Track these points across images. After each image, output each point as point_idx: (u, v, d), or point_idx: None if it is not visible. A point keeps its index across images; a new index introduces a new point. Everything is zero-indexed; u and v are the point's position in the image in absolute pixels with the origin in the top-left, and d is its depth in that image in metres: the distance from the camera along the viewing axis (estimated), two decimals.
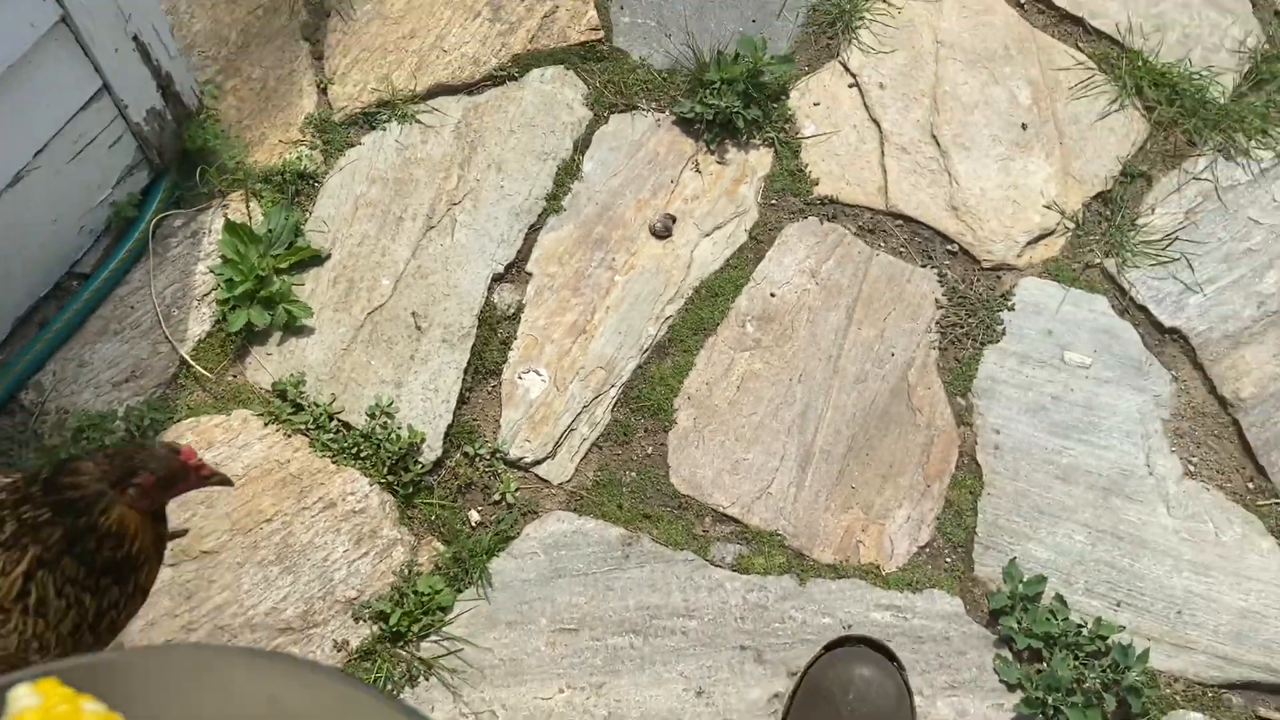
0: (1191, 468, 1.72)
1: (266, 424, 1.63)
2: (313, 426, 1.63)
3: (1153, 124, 2.01)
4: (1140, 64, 2.04)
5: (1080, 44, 2.10)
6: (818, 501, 1.67)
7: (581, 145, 1.94)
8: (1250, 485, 1.71)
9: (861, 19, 2.08)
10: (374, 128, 1.90)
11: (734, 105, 1.94)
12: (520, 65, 1.98)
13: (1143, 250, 1.88)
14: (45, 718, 0.58)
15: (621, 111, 1.98)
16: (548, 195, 1.88)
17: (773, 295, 1.83)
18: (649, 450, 1.70)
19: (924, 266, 1.87)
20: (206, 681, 0.67)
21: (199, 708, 0.66)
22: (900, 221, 1.92)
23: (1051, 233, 1.91)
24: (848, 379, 1.76)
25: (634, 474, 1.68)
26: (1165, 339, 1.82)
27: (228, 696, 0.66)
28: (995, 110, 2.00)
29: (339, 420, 1.65)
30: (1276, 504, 1.68)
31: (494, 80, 1.97)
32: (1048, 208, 1.92)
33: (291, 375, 1.66)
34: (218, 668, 0.69)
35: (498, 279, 1.80)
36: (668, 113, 1.98)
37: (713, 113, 1.94)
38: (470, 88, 1.96)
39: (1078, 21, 2.11)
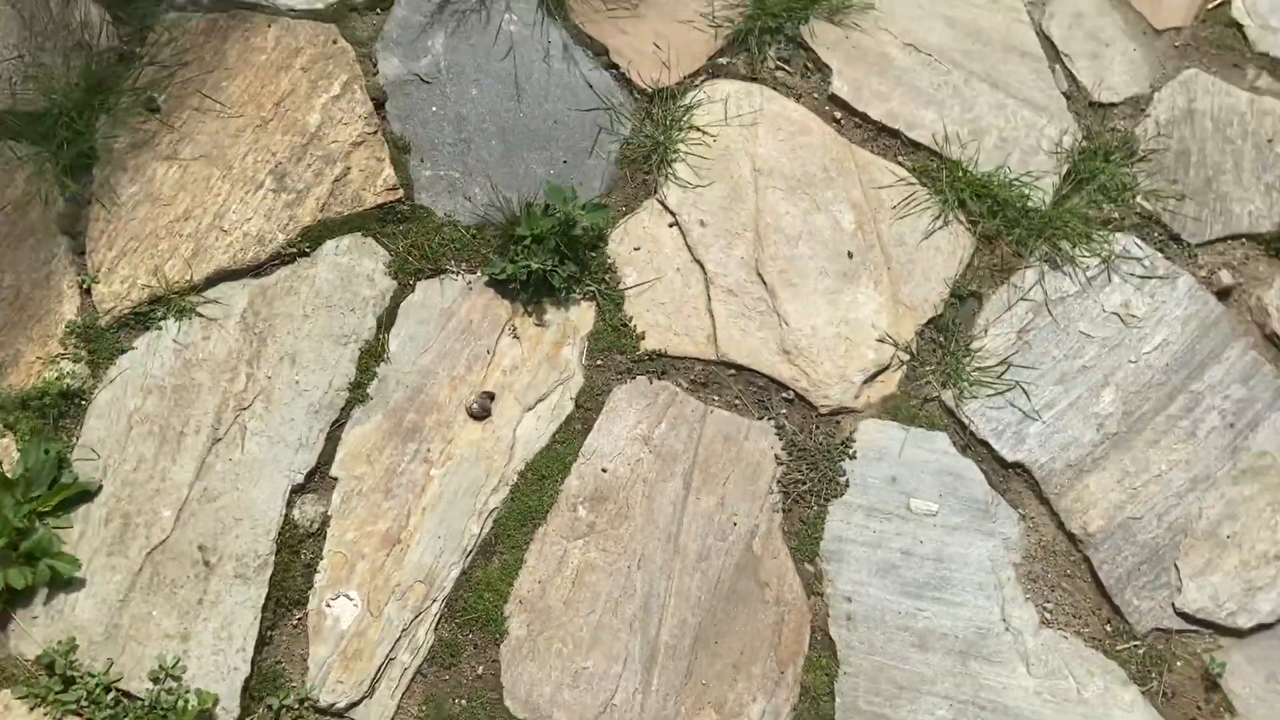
0: (1047, 614, 1.61)
1: (33, 708, 1.38)
2: (87, 703, 1.39)
3: (978, 238, 1.92)
4: (960, 174, 1.95)
5: (900, 157, 2.00)
6: (666, 708, 1.50)
7: (386, 321, 1.74)
8: (1108, 628, 1.61)
9: (676, 151, 1.94)
10: (148, 328, 1.67)
11: (548, 262, 1.77)
12: (312, 238, 1.77)
13: (979, 379, 1.78)
14: None
15: (429, 277, 1.79)
16: (351, 384, 1.68)
17: (604, 471, 1.66)
18: (479, 670, 1.51)
19: (761, 419, 1.73)
20: None
21: None
22: (733, 371, 1.77)
23: (887, 367, 1.79)
24: (690, 558, 1.60)
25: (464, 701, 1.49)
26: (1009, 474, 1.72)
27: None
28: (820, 240, 1.88)
29: (118, 690, 1.41)
30: (1135, 646, 1.59)
31: (283, 258, 1.75)
32: (881, 341, 1.80)
33: (60, 642, 1.42)
34: None
35: (298, 490, 1.59)
36: (480, 274, 1.80)
37: (526, 272, 1.77)
38: (256, 270, 1.74)
39: (895, 134, 2.01)
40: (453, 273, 1.80)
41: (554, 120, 1.96)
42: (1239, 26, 2.19)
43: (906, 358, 1.79)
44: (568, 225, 1.78)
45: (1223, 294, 1.88)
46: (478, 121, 1.93)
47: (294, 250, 1.75)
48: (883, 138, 2.01)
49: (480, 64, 1.98)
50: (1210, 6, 2.22)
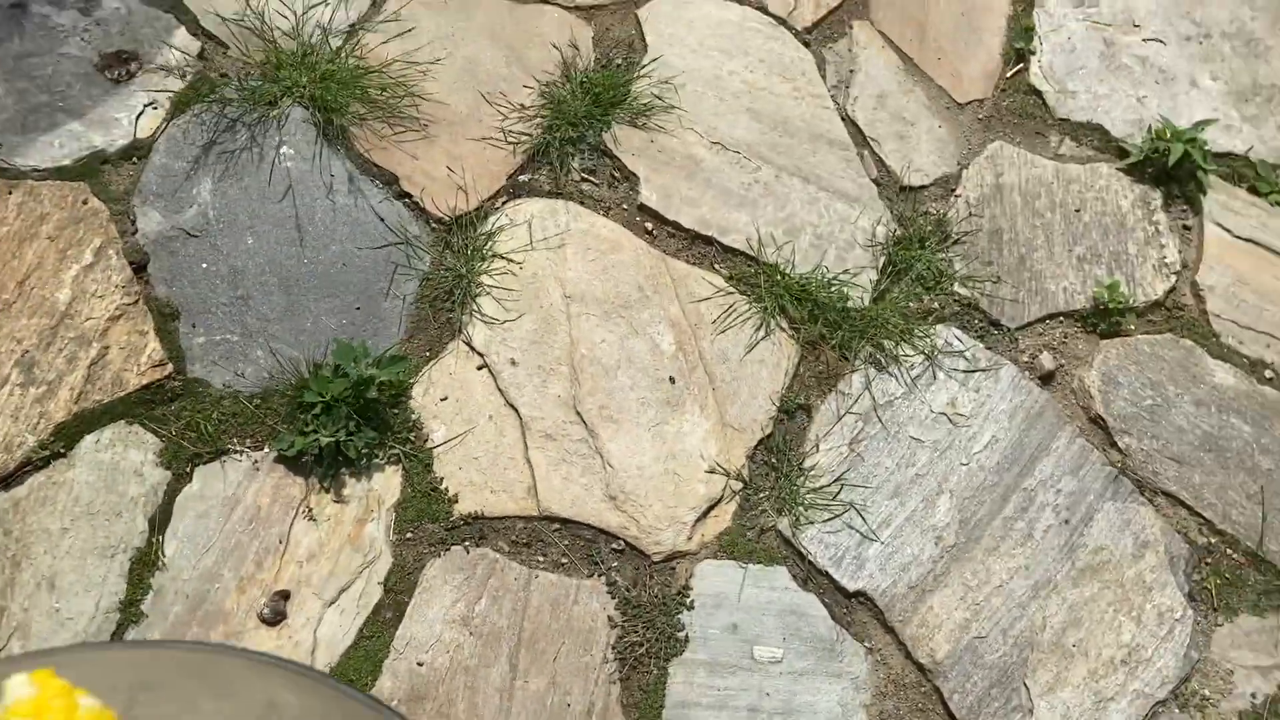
0: None
1: None
2: None
3: (802, 344, 1.82)
4: (779, 279, 1.85)
5: (717, 265, 1.89)
6: None
7: (160, 521, 1.53)
8: None
9: (481, 284, 1.78)
10: None
11: (341, 432, 1.59)
12: (67, 435, 1.55)
13: (814, 502, 1.67)
14: (40, 710, 0.55)
15: (209, 461, 1.59)
16: (122, 603, 1.46)
17: (420, 665, 1.49)
18: None
19: (590, 576, 1.59)
20: (207, 680, 0.64)
21: (197, 706, 0.64)
22: (558, 525, 1.63)
23: (719, 500, 1.67)
24: None
25: None
26: (853, 605, 1.61)
27: (227, 696, 0.63)
28: (639, 367, 1.75)
29: None
30: None
31: (35, 464, 1.52)
32: (711, 472, 1.68)
33: None
34: (219, 668, 0.65)
35: None
36: (267, 450, 1.61)
37: (319, 445, 1.58)
38: (5, 481, 1.50)
39: (709, 241, 1.90)
40: (236, 453, 1.60)
41: (343, 263, 1.78)
42: (1039, 93, 2.17)
43: (739, 486, 1.68)
44: (361, 387, 1.60)
45: (1046, 378, 1.83)
46: (256, 274, 1.74)
47: (47, 453, 1.52)
48: (697, 246, 1.90)
49: (255, 208, 1.78)
50: (1009, 75, 2.20)
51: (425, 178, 1.86)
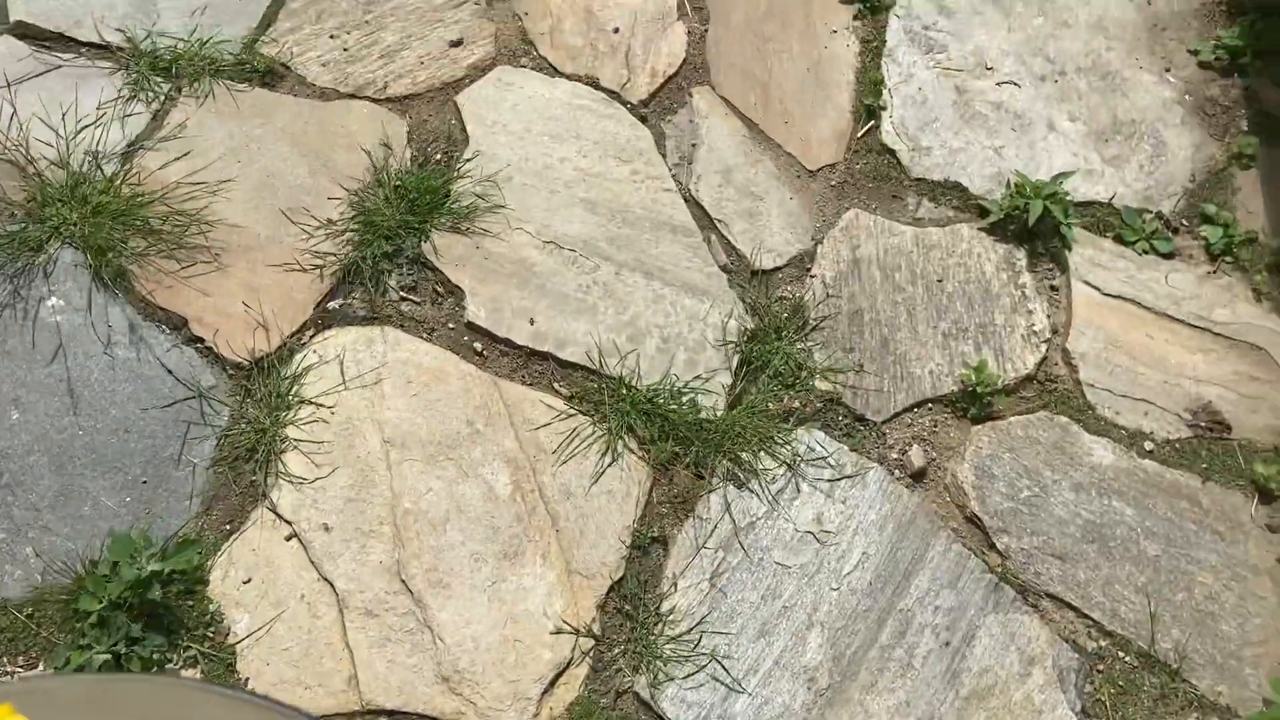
0: None
1: None
2: None
3: (653, 466, 1.63)
4: (624, 393, 1.66)
5: (556, 384, 1.69)
6: None
7: None
8: None
9: (286, 439, 1.56)
10: None
11: (122, 642, 1.36)
12: None
13: (674, 654, 1.49)
14: None
15: None
16: None
17: None
18: None
19: None
20: (172, 715, 0.61)
21: None
22: (384, 719, 1.42)
23: (568, 664, 1.48)
24: None
25: None
26: None
27: None
28: (471, 517, 1.55)
29: None
30: None
31: None
32: (557, 632, 1.49)
33: None
34: (184, 701, 0.63)
35: None
36: (41, 668, 1.37)
37: (99, 660, 1.35)
38: None
39: (546, 357, 1.70)
40: (4, 675, 1.36)
41: (125, 429, 1.54)
42: (892, 152, 2.01)
43: (590, 644, 1.49)
44: (141, 587, 1.37)
45: (917, 476, 1.67)
46: (23, 455, 1.49)
47: None
48: (533, 363, 1.70)
49: (20, 376, 1.54)
50: (860, 134, 2.04)
51: (219, 317, 1.63)
